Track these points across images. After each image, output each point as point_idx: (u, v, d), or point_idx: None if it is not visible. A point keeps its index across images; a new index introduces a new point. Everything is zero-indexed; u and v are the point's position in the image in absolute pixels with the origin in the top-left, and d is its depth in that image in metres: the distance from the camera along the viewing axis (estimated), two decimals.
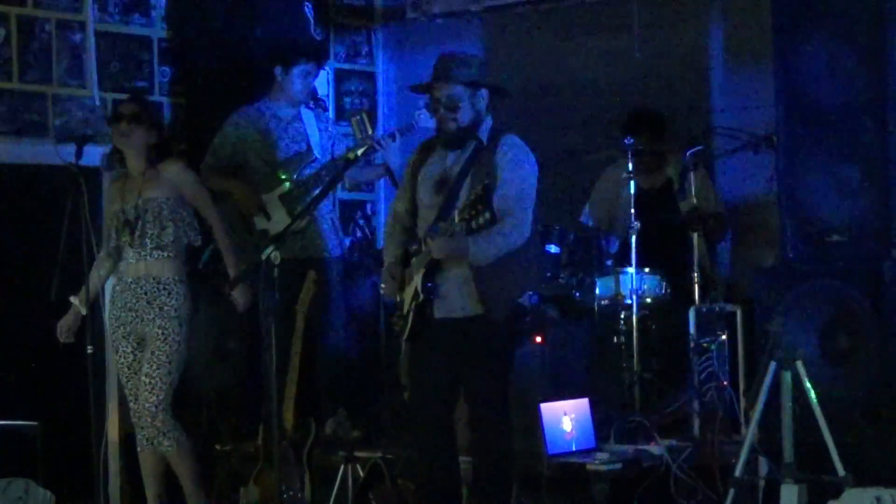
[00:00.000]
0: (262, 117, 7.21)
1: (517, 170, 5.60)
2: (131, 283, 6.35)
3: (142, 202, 6.35)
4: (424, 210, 5.71)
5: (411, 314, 5.64)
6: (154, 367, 6.27)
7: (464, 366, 5.61)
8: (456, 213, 5.43)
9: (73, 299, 6.39)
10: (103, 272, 6.48)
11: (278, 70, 7.19)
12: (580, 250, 6.94)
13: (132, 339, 6.37)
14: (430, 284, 5.58)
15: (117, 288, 6.42)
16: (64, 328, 6.43)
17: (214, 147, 7.20)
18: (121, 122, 6.35)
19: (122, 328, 6.37)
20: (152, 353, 6.28)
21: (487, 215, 5.34)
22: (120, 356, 6.41)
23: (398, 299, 5.73)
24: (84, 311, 6.33)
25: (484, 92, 5.69)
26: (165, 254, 6.33)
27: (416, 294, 5.61)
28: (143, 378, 6.28)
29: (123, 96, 7.40)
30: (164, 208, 6.33)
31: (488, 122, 5.73)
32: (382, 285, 5.91)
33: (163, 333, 6.27)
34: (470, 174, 5.58)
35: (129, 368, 6.39)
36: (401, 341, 5.94)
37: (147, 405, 6.27)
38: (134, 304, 6.34)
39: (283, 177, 7.04)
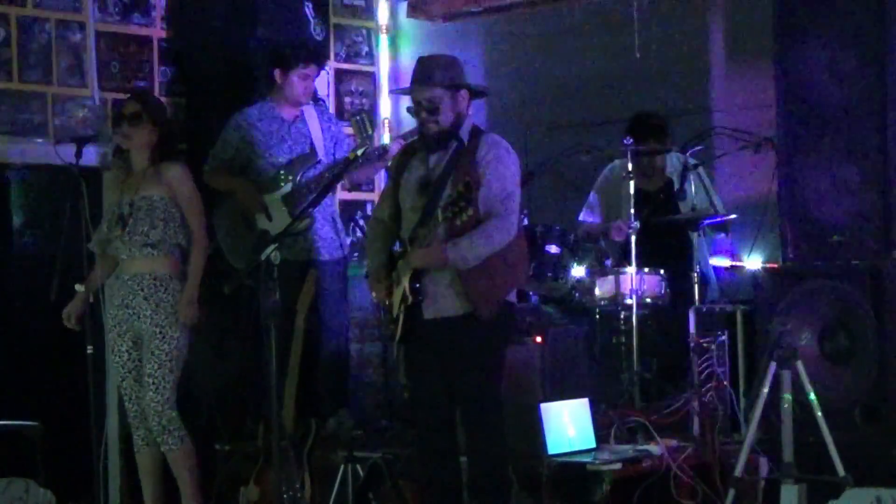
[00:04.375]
0: (265, 118, 7.20)
1: (500, 168, 5.59)
2: (128, 280, 6.34)
3: (137, 199, 6.34)
4: (408, 212, 5.70)
5: (401, 317, 5.64)
6: (155, 366, 6.27)
7: (454, 365, 5.60)
8: (439, 211, 5.43)
9: (77, 287, 6.37)
10: (105, 265, 6.47)
11: (277, 72, 7.18)
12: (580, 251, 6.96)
13: (128, 338, 6.36)
14: (417, 286, 5.57)
15: (115, 285, 6.41)
16: (68, 314, 6.39)
17: (217, 148, 7.20)
18: (122, 124, 6.36)
19: (118, 326, 6.36)
20: (152, 352, 6.28)
21: (471, 211, 5.35)
22: (116, 355, 6.41)
23: (387, 303, 5.72)
24: (87, 293, 6.30)
25: (464, 93, 5.69)
26: (155, 252, 6.31)
27: (404, 296, 5.60)
28: (147, 378, 6.28)
29: (123, 96, 7.41)
30: (158, 207, 6.32)
31: (469, 122, 5.73)
32: (372, 292, 5.90)
33: (160, 332, 6.27)
34: (452, 174, 5.57)
35: (123, 368, 6.39)
36: (392, 345, 5.92)
37: (153, 404, 6.27)
38: (131, 300, 6.33)
39: (286, 178, 7.03)
